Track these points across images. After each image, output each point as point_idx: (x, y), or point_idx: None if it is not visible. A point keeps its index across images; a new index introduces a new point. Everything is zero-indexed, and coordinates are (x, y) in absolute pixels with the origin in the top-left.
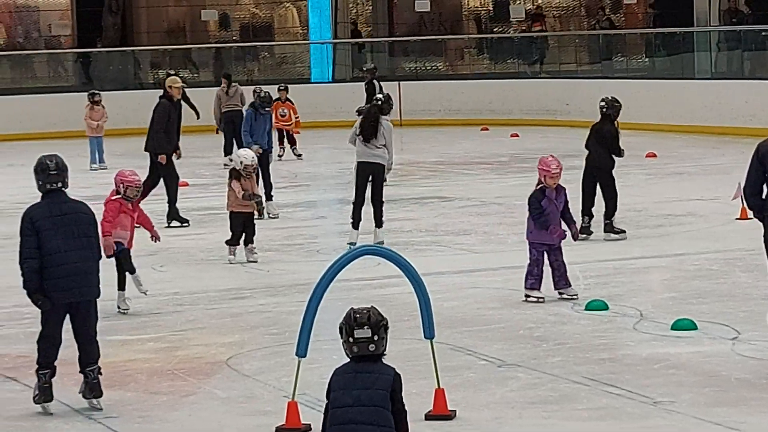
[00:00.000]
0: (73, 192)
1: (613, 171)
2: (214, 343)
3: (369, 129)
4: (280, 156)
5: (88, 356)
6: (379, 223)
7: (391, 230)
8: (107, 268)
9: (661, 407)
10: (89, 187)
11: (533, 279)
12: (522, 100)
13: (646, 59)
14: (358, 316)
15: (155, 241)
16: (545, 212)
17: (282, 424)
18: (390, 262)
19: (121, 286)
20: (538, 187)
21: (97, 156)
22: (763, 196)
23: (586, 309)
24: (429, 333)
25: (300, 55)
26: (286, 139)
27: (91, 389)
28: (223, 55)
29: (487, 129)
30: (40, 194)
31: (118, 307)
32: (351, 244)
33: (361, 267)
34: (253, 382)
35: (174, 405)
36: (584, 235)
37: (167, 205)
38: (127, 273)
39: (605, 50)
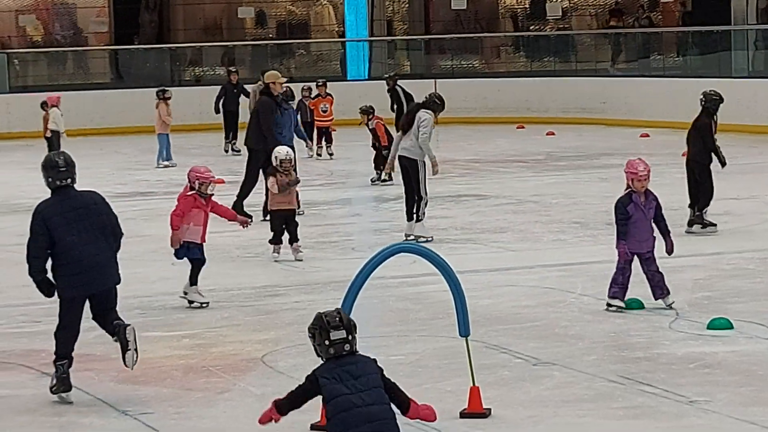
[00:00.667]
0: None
1: (711, 166)
2: (249, 340)
3: (406, 122)
4: (315, 154)
5: (114, 318)
6: (409, 215)
7: (427, 228)
8: (143, 264)
9: (696, 406)
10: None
11: (617, 288)
12: (558, 98)
13: (683, 58)
14: (330, 319)
15: (245, 227)
16: (631, 219)
17: (317, 421)
18: (425, 260)
19: (194, 281)
20: (626, 191)
21: (165, 152)
22: None
23: (627, 307)
24: (464, 331)
25: (336, 52)
26: (324, 138)
27: (121, 340)
28: (260, 52)
29: (523, 127)
30: (50, 190)
31: (191, 301)
32: (407, 235)
33: (397, 264)
34: (288, 379)
35: (209, 401)
36: (698, 226)
37: (236, 197)
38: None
39: (642, 49)
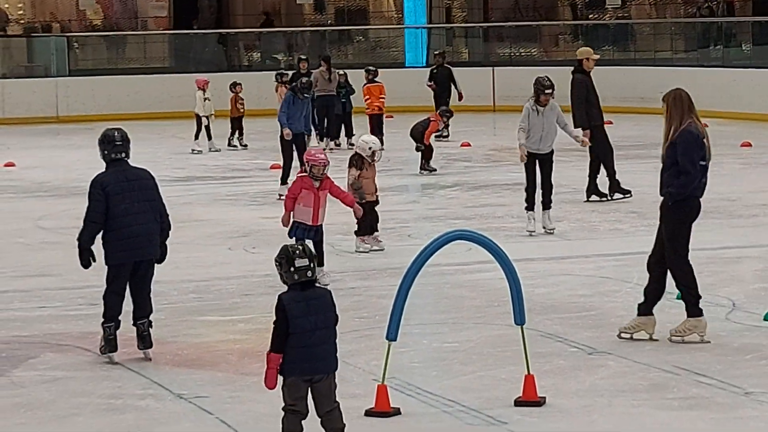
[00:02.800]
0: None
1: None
2: None
3: None
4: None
5: (142, 311)
6: (531, 205)
7: (483, 216)
8: (200, 248)
9: (752, 398)
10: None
11: None
12: (616, 87)
13: (743, 47)
14: (294, 249)
15: (358, 216)
16: None
17: (371, 407)
18: (482, 248)
19: (320, 261)
20: None
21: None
22: None
23: (677, 298)
24: (519, 319)
25: (394, 39)
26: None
27: (143, 340)
28: (318, 38)
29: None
30: (105, 163)
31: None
32: (529, 231)
33: (453, 252)
34: (343, 365)
35: (264, 386)
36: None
37: (607, 178)
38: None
39: (702, 38)
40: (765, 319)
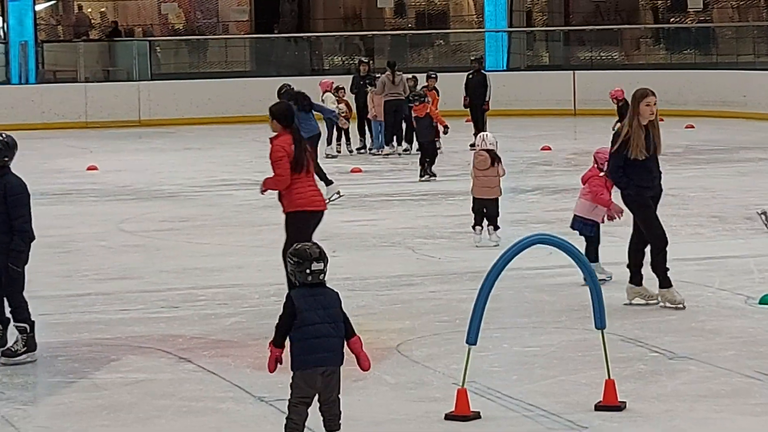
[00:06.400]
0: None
1: None
2: (384, 329)
3: None
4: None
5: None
6: None
7: (564, 220)
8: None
9: None
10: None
11: None
12: (698, 91)
13: None
14: (312, 252)
15: (616, 218)
16: None
17: (451, 411)
18: (562, 252)
19: (590, 257)
20: None
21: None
22: None
23: (760, 303)
24: (600, 323)
25: (475, 43)
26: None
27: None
28: (398, 42)
29: (662, 119)
30: None
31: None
32: None
33: (533, 256)
34: (423, 368)
35: (344, 390)
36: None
37: None
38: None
39: None
40: (761, 303)
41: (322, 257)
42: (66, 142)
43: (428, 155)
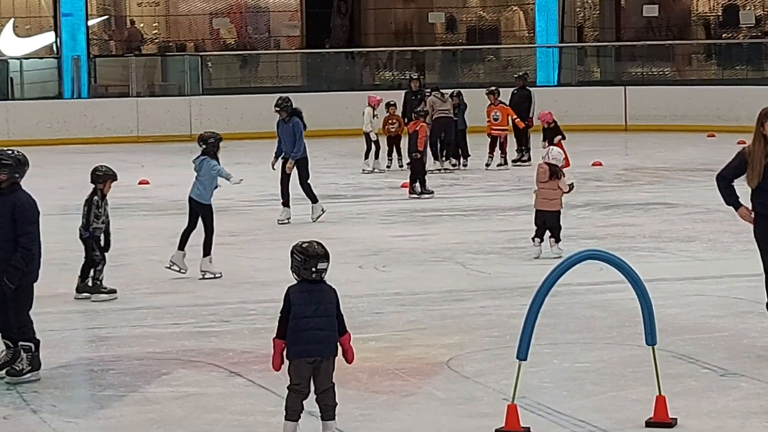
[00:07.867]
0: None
1: None
2: (434, 344)
3: None
4: (487, 165)
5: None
6: None
7: (614, 235)
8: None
9: None
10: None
11: None
12: (750, 107)
13: None
14: (317, 251)
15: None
16: None
17: (501, 426)
18: (613, 268)
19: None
20: None
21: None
22: None
23: None
24: (651, 340)
25: (526, 58)
26: (497, 147)
27: None
28: (449, 57)
29: (713, 135)
30: None
31: None
32: None
33: (584, 271)
34: (473, 384)
35: (394, 404)
36: None
37: None
38: None
39: None
40: None
41: (326, 256)
42: (117, 157)
43: (415, 172)
